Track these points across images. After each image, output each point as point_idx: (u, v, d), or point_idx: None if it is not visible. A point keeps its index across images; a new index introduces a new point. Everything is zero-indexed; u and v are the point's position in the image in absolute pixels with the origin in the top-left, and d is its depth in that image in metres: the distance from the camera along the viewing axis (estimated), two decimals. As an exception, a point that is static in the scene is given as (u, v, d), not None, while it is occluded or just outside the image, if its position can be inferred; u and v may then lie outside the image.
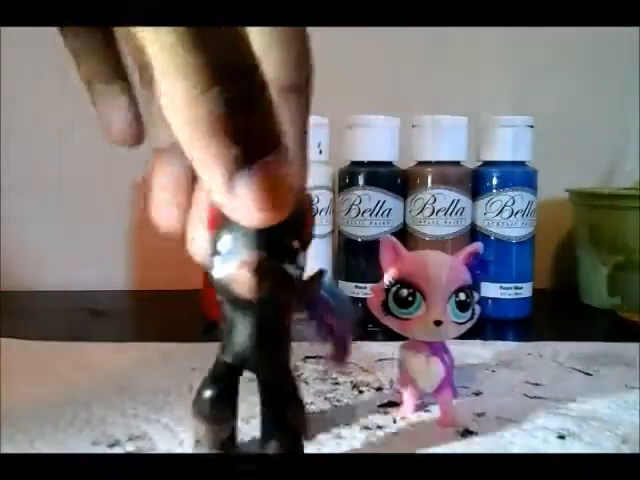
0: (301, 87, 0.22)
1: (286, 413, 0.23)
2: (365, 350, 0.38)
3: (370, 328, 0.43)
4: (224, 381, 0.22)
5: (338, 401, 0.30)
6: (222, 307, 0.22)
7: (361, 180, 0.47)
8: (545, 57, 0.62)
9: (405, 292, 0.26)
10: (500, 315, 0.48)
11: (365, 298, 0.29)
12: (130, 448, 0.26)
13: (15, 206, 0.59)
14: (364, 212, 0.47)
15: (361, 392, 0.32)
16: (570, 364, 0.36)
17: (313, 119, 0.49)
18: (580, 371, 0.35)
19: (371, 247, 0.46)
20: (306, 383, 0.33)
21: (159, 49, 0.15)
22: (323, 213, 0.48)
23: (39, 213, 0.60)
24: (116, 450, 0.25)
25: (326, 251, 0.49)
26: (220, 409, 0.22)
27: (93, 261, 0.60)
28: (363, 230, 0.48)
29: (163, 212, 0.22)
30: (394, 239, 0.28)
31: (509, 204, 0.48)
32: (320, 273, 0.24)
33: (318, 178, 0.48)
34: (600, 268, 0.53)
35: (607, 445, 0.26)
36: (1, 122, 0.58)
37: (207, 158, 0.16)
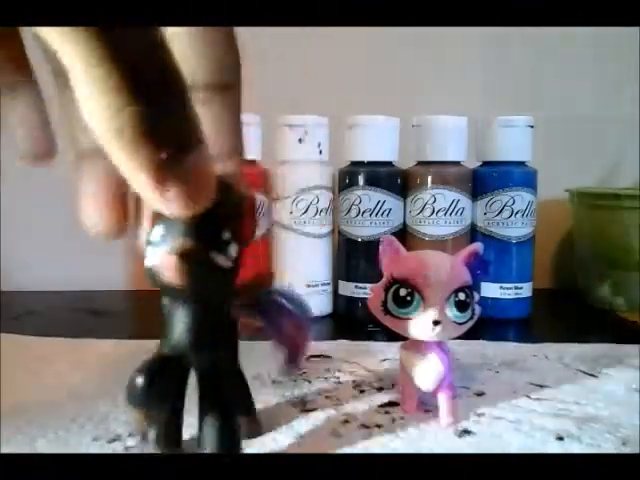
0: (228, 85, 0.23)
1: (225, 415, 0.23)
2: (370, 350, 0.38)
3: (370, 328, 0.43)
4: (156, 370, 0.22)
5: (338, 400, 0.30)
6: (161, 299, 0.23)
7: (361, 180, 0.47)
8: (545, 57, 0.62)
9: (404, 292, 0.26)
10: (500, 315, 0.48)
11: (365, 298, 0.29)
12: (130, 443, 0.26)
13: (15, 206, 0.59)
14: (364, 212, 0.47)
15: (362, 392, 0.32)
16: (576, 366, 0.36)
17: (313, 119, 0.50)
18: (586, 373, 0.35)
19: (371, 247, 0.46)
20: (308, 382, 0.33)
21: (79, 69, 0.16)
22: (323, 213, 0.48)
23: (39, 213, 0.60)
24: (116, 445, 0.26)
25: (326, 251, 0.49)
26: (147, 396, 0.21)
27: (93, 261, 0.60)
28: (363, 230, 0.48)
29: (92, 218, 0.24)
30: (394, 239, 0.28)
31: (509, 204, 0.48)
32: (269, 273, 0.26)
33: (318, 178, 0.48)
34: (600, 268, 0.53)
35: (606, 447, 0.26)
36: (1, 122, 0.58)
37: (132, 166, 0.17)
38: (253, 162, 0.48)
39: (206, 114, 0.21)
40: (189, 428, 0.25)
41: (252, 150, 0.47)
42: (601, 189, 0.58)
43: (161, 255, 0.20)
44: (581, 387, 0.33)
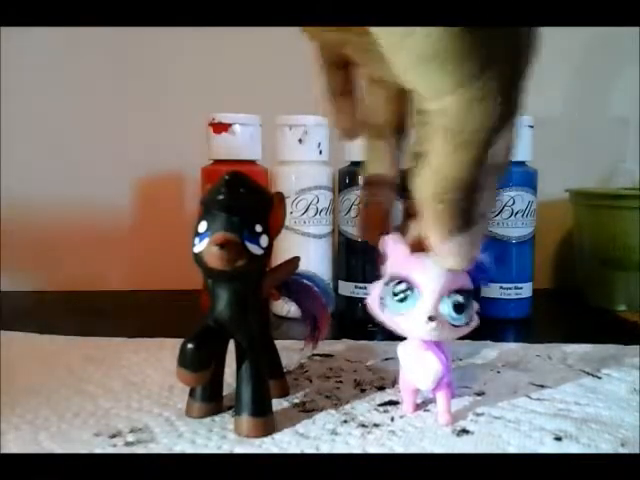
0: (503, 169, 0.26)
1: (257, 377, 0.27)
2: (372, 349, 0.39)
3: (370, 328, 0.43)
4: (203, 338, 0.26)
5: (338, 399, 0.30)
6: (207, 281, 0.27)
7: (361, 180, 0.47)
8: (545, 57, 0.62)
9: (402, 287, 0.26)
10: (500, 315, 0.48)
11: (365, 298, 0.29)
12: (131, 439, 0.26)
13: (15, 206, 0.59)
14: (364, 212, 0.47)
15: (363, 390, 0.32)
16: (579, 366, 0.36)
17: (313, 119, 0.50)
18: (589, 374, 0.35)
19: (371, 247, 0.46)
20: (310, 381, 0.33)
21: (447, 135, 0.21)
22: (323, 213, 0.48)
23: (39, 213, 0.60)
24: (117, 440, 0.26)
25: (326, 251, 0.49)
26: (196, 358, 0.25)
27: (93, 261, 0.60)
28: (363, 230, 0.48)
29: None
30: (397, 236, 0.28)
31: (509, 204, 0.48)
32: (294, 258, 0.30)
33: (318, 178, 0.48)
34: (600, 268, 0.53)
35: (604, 447, 0.26)
36: (2, 123, 0.58)
37: (434, 228, 0.23)
38: (253, 162, 0.48)
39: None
40: (228, 387, 0.29)
41: (252, 150, 0.47)
42: (601, 189, 0.58)
43: (206, 244, 0.25)
44: (582, 387, 0.33)
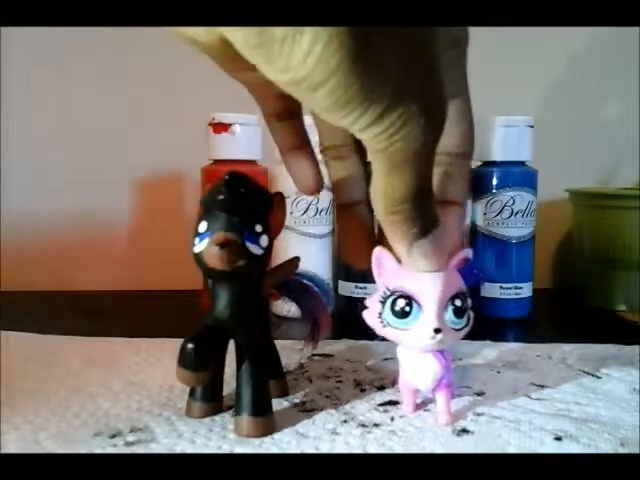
0: (468, 156, 0.27)
1: (257, 377, 0.27)
2: (372, 349, 0.39)
3: (370, 330, 0.43)
4: (203, 338, 0.26)
5: (338, 399, 0.30)
6: (207, 281, 0.27)
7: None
8: (545, 57, 0.62)
9: (402, 302, 0.26)
10: (500, 315, 0.48)
11: (365, 298, 0.28)
12: (131, 439, 0.26)
13: (16, 206, 0.59)
14: (364, 212, 0.47)
15: (363, 390, 0.32)
16: (579, 366, 0.36)
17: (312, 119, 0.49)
18: (588, 373, 0.35)
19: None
20: (310, 381, 0.33)
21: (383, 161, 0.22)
22: (323, 213, 0.48)
23: (39, 212, 0.60)
24: (117, 440, 0.26)
25: (326, 251, 0.49)
26: (196, 358, 0.25)
27: (93, 261, 0.60)
28: (363, 230, 0.48)
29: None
30: (384, 250, 0.27)
31: (509, 204, 0.48)
32: (294, 259, 0.30)
33: (318, 178, 0.48)
34: (600, 268, 0.53)
35: (604, 447, 0.26)
36: (1, 123, 0.58)
37: (394, 237, 0.24)
38: (253, 162, 0.48)
39: (449, 175, 0.27)
40: (228, 387, 0.29)
41: (252, 150, 0.47)
42: (601, 189, 0.58)
43: (206, 244, 0.25)
44: (582, 387, 0.33)
